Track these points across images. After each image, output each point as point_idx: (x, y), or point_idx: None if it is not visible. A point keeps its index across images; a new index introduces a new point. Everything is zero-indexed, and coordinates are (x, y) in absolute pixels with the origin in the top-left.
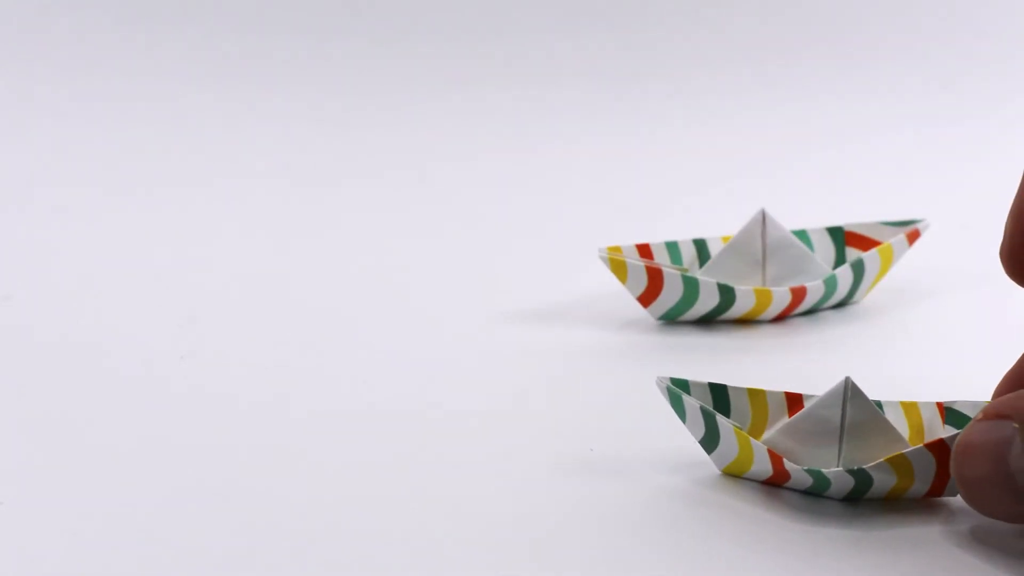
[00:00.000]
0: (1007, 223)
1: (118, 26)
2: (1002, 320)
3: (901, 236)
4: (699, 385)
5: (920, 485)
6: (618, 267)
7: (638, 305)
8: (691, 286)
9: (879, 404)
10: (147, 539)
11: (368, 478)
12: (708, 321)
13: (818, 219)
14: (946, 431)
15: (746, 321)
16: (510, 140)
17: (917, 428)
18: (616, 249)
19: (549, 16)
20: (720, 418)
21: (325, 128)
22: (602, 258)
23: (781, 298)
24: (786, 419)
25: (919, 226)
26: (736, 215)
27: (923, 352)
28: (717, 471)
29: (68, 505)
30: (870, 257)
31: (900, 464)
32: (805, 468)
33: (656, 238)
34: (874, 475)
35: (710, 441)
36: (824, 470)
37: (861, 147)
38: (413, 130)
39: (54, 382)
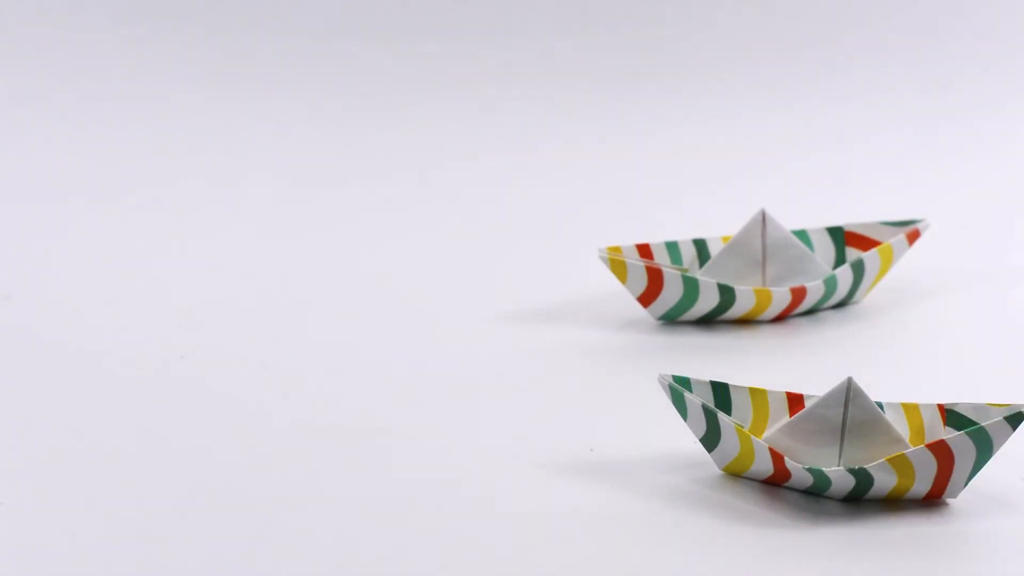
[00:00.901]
0: None
1: (118, 26)
2: (1002, 320)
3: (901, 236)
4: (701, 383)
5: (920, 486)
6: (618, 267)
7: (638, 305)
8: (691, 286)
9: (880, 405)
10: (147, 539)
11: (368, 477)
12: (708, 321)
13: (818, 219)
14: (947, 432)
15: (746, 321)
16: (510, 140)
17: (918, 429)
18: (616, 249)
19: (549, 16)
20: (722, 416)
21: (325, 128)
22: (602, 258)
23: (781, 298)
24: (787, 419)
25: (919, 226)
26: (736, 215)
27: (923, 352)
28: (717, 471)
29: (68, 505)
30: (870, 257)
31: (901, 464)
32: (806, 467)
33: (656, 238)
34: (875, 475)
35: (711, 439)
36: (825, 469)
37: (861, 147)
38: (413, 130)
39: (54, 382)
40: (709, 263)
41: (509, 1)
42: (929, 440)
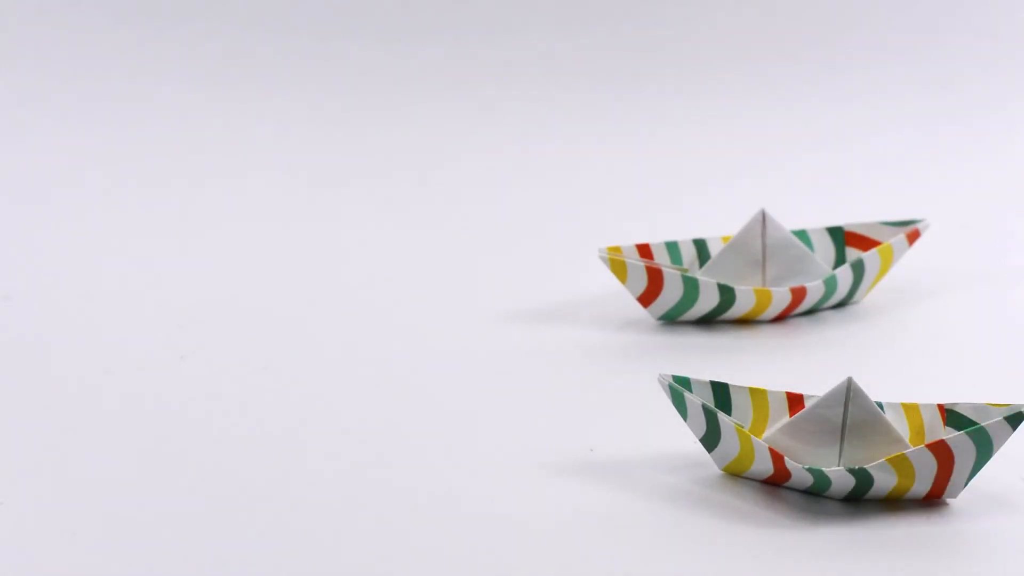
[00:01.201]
0: None
1: (118, 26)
2: (1002, 320)
3: (901, 236)
4: (701, 383)
5: (920, 486)
6: (618, 267)
7: (638, 305)
8: (691, 286)
9: (880, 405)
10: (147, 539)
11: (368, 478)
12: (708, 321)
13: (818, 219)
14: (947, 432)
15: (746, 321)
16: (510, 140)
17: (918, 429)
18: (616, 249)
19: (549, 16)
20: (722, 416)
21: (325, 128)
22: (602, 258)
23: (781, 298)
24: (787, 419)
25: (919, 226)
26: (736, 215)
27: (923, 352)
28: (717, 471)
29: (68, 505)
30: (870, 257)
31: (901, 464)
32: (806, 467)
33: (656, 238)
34: (875, 475)
35: (711, 439)
36: (825, 469)
37: (861, 147)
38: (413, 130)
39: (54, 382)
40: (709, 263)
41: (509, 1)
42: (929, 440)
